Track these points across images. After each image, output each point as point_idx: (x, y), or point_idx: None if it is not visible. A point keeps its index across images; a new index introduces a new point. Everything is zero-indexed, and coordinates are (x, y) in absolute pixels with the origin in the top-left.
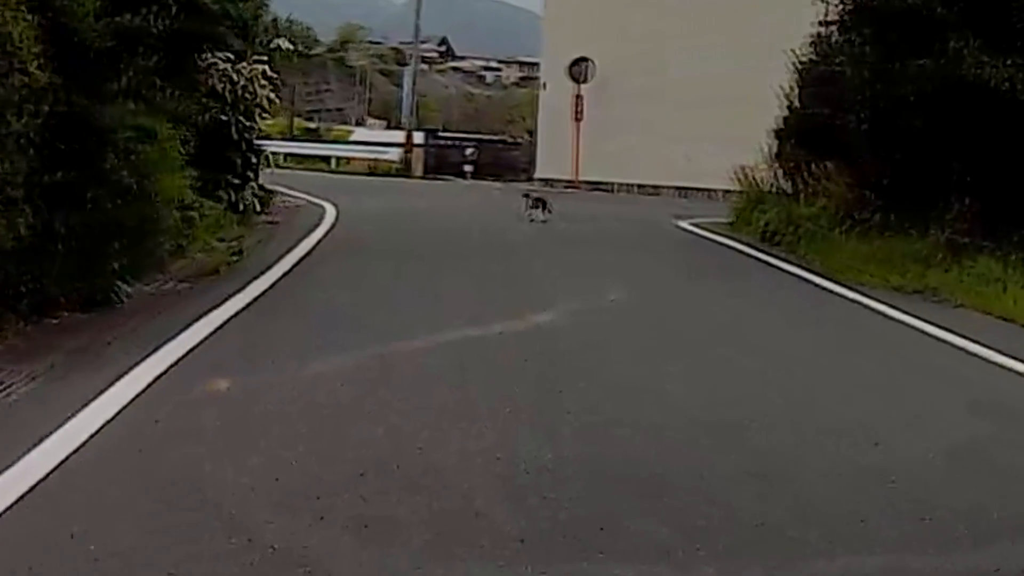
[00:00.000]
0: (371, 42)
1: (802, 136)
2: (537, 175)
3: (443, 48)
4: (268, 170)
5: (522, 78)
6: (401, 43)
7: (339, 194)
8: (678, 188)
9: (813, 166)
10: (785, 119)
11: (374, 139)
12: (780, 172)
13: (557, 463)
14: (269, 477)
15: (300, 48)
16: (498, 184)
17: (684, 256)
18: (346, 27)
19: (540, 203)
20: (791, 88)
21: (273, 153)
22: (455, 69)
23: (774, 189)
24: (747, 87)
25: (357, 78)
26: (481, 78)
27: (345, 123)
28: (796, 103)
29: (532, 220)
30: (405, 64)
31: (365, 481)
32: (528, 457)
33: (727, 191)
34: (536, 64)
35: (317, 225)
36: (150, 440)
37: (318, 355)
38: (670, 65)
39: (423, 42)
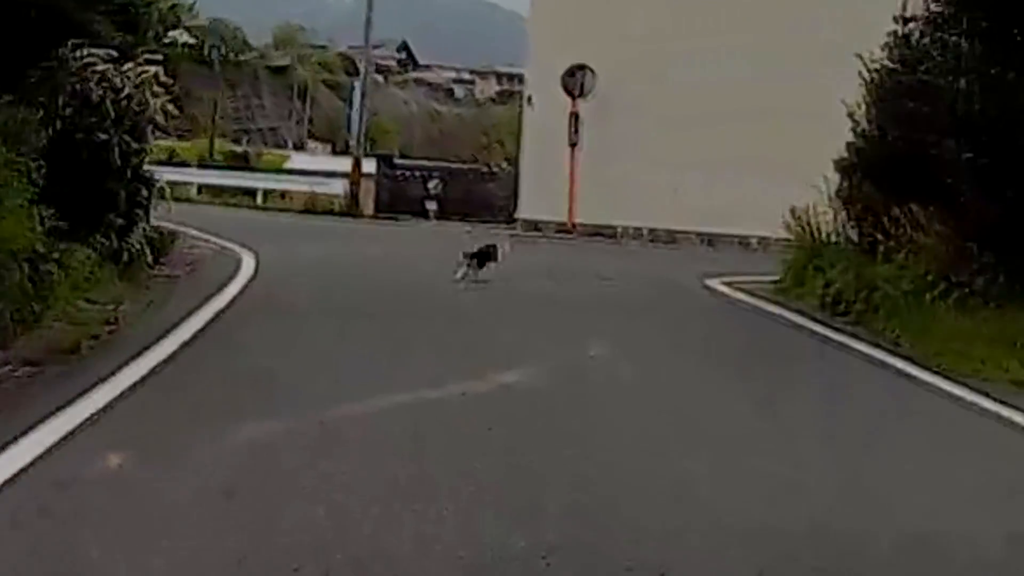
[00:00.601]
0: (314, 46)
1: (877, 169)
2: (521, 215)
3: (403, 55)
4: (164, 207)
5: (500, 92)
6: (351, 48)
7: (264, 239)
8: (702, 234)
9: (893, 209)
10: (853, 146)
11: (315, 167)
12: (846, 216)
13: (530, 552)
14: None
15: (225, 52)
16: (469, 227)
17: (716, 329)
18: (284, 28)
19: (481, 256)
20: (859, 105)
21: (181, 184)
22: (418, 81)
23: (838, 239)
24: (796, 102)
25: (296, 91)
26: (449, 92)
27: (281, 146)
28: (867, 125)
29: (463, 278)
30: (355, 74)
31: None
32: (496, 544)
33: (766, 239)
34: (519, 75)
35: (232, 278)
36: None
37: (240, 424)
38: (692, 74)
39: (377, 46)
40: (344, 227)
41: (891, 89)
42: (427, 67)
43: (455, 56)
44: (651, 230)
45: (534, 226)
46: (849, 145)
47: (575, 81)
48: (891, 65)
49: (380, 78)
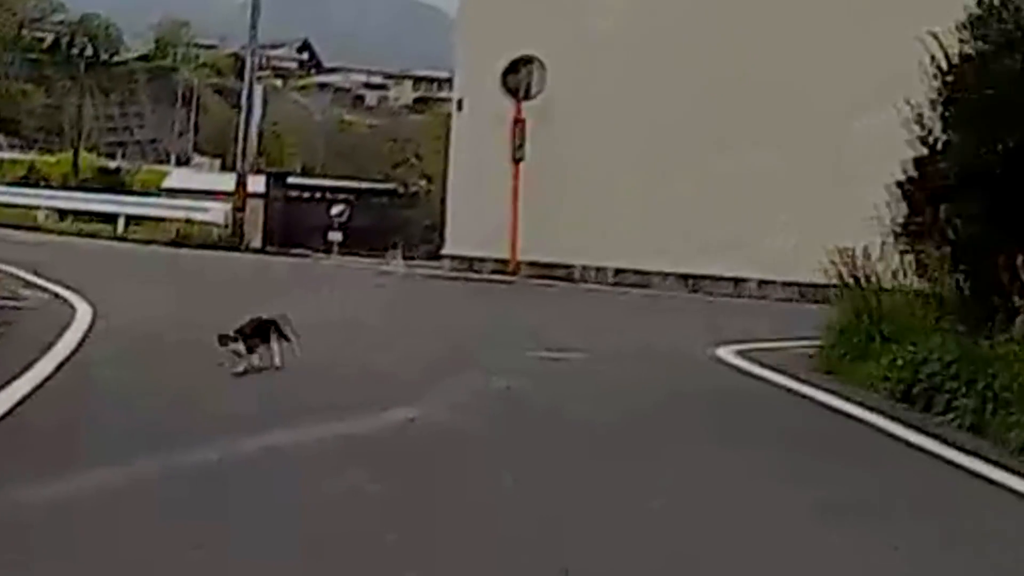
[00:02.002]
0: (201, 46)
1: (965, 193)
2: (449, 250)
3: (305, 56)
4: None
5: (419, 99)
6: (244, 47)
7: (107, 283)
8: (684, 276)
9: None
10: (925, 162)
11: (197, 186)
12: (915, 260)
13: None
14: None
15: (95, 52)
16: (386, 263)
17: (799, 467)
18: (166, 25)
19: (256, 332)
20: (933, 106)
21: (24, 208)
22: (323, 86)
23: (908, 292)
24: (810, 108)
25: (181, 97)
26: (360, 99)
27: (163, 161)
28: (940, 134)
29: (244, 372)
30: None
31: None
32: None
33: (769, 283)
34: (439, 79)
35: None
36: None
37: None
38: (671, 73)
39: (277, 46)
40: (216, 265)
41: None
42: (333, 70)
43: (366, 57)
44: (617, 270)
45: (467, 264)
46: (919, 163)
47: (520, 79)
48: (972, 51)
49: (279, 82)
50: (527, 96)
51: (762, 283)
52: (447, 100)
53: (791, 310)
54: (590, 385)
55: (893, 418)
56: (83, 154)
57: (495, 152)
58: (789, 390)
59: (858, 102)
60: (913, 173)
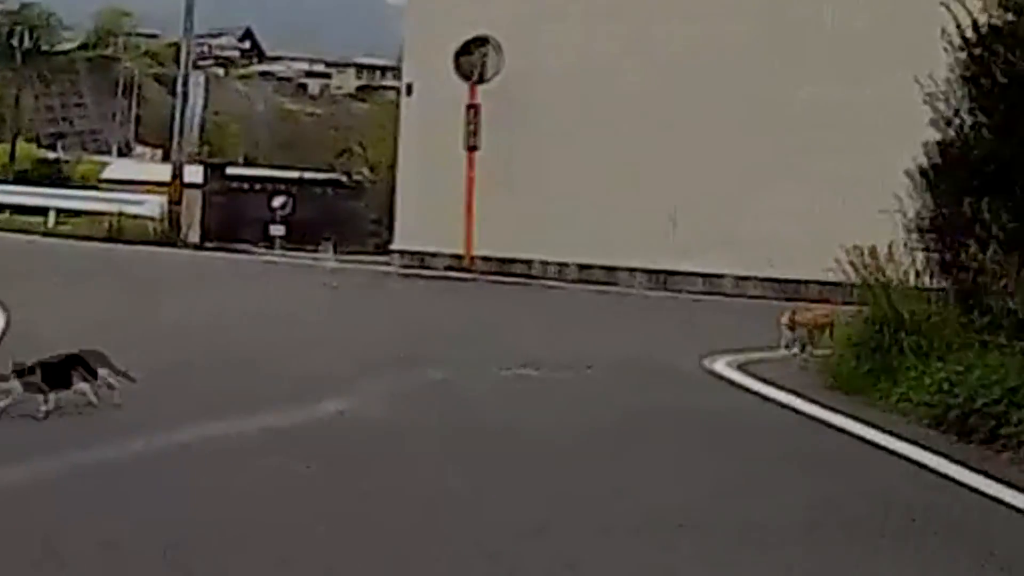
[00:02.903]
0: (143, 35)
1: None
2: (398, 245)
3: (247, 44)
4: None
5: (362, 87)
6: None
7: (23, 284)
8: (654, 272)
9: None
10: (948, 150)
11: (137, 177)
12: (940, 260)
13: None
14: None
15: (35, 41)
16: (331, 260)
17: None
18: (106, 13)
19: (54, 371)
20: (957, 79)
21: None
22: (265, 75)
23: (937, 297)
24: (802, 79)
25: (122, 87)
26: (303, 87)
27: (104, 152)
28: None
29: (46, 413)
30: (195, 66)
31: None
32: None
33: (748, 279)
34: (383, 67)
35: None
36: None
37: None
38: (636, 49)
39: (218, 34)
40: (146, 263)
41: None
42: (276, 58)
43: (309, 45)
44: (581, 266)
45: (419, 260)
46: (946, 147)
47: (473, 61)
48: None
49: (221, 71)
50: (482, 79)
51: (739, 280)
52: (390, 88)
53: (775, 310)
54: (559, 406)
55: (952, 459)
56: (22, 145)
57: (448, 140)
58: (811, 418)
59: (846, 81)
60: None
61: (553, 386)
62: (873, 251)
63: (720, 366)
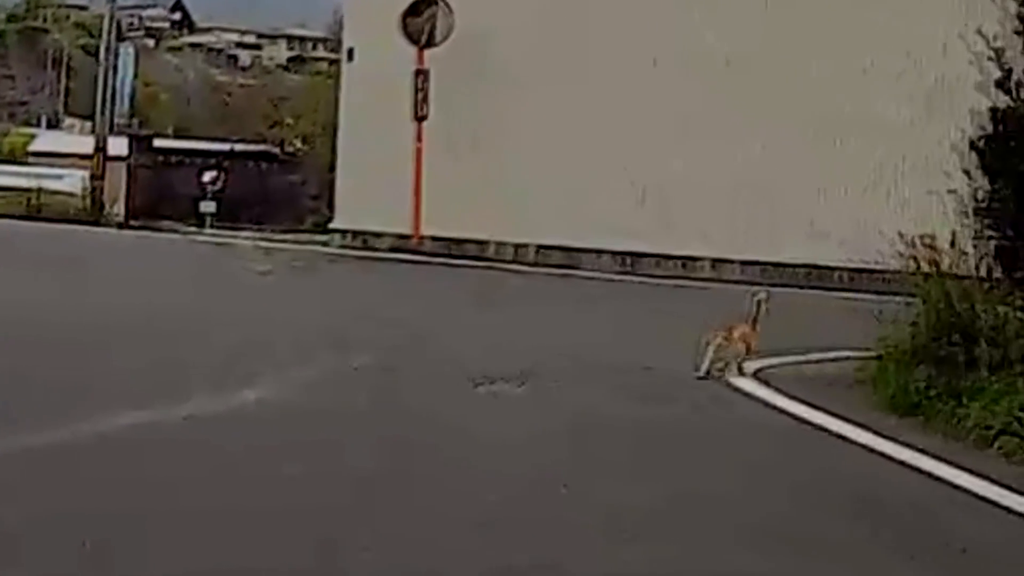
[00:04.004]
0: (72, 6)
1: None
2: (339, 223)
3: (178, 15)
4: None
5: (293, 59)
6: (118, 7)
7: None
8: (623, 256)
9: None
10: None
11: (65, 149)
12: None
13: None
14: None
15: None
16: (262, 239)
17: None
18: None
19: None
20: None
21: None
22: (195, 46)
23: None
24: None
25: (51, 59)
26: (233, 59)
27: (32, 124)
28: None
29: None
30: (123, 38)
31: None
32: None
33: (726, 262)
34: (314, 39)
35: None
36: None
37: None
38: (605, 8)
39: (148, 6)
40: (58, 242)
41: None
42: (207, 30)
43: (238, 16)
44: (540, 247)
45: (362, 240)
46: (1005, 114)
47: (421, 23)
48: None
49: (151, 42)
50: (430, 43)
51: (716, 263)
52: (322, 59)
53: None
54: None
55: None
56: None
57: (393, 108)
58: (867, 449)
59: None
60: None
61: (534, 401)
62: (931, 240)
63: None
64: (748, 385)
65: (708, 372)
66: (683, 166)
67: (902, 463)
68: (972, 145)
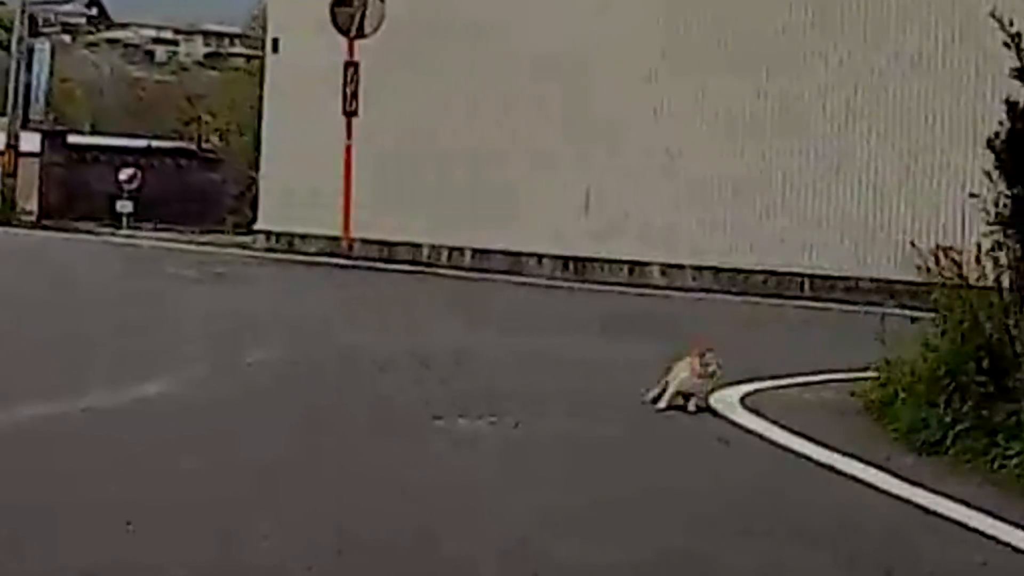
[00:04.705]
0: None
1: None
2: (263, 225)
3: (94, 11)
4: None
5: (210, 55)
6: (33, 3)
7: None
8: (566, 260)
9: None
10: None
11: None
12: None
13: None
14: None
15: None
16: (181, 241)
17: None
18: None
19: None
20: None
21: None
22: (113, 41)
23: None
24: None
25: None
26: (149, 55)
27: None
28: None
29: None
30: (38, 34)
31: None
32: None
33: (676, 268)
34: (231, 35)
35: None
36: None
37: None
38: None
39: (65, 1)
40: None
41: None
42: (123, 25)
43: (156, 12)
44: (479, 251)
45: (288, 242)
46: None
47: (351, 13)
48: None
49: (67, 38)
50: (361, 33)
51: (666, 268)
52: (239, 55)
53: (727, 308)
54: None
55: None
56: None
57: (322, 103)
58: (903, 501)
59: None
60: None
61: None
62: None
63: (717, 401)
64: (739, 416)
65: (669, 403)
66: (633, 166)
67: (944, 517)
68: (989, 144)
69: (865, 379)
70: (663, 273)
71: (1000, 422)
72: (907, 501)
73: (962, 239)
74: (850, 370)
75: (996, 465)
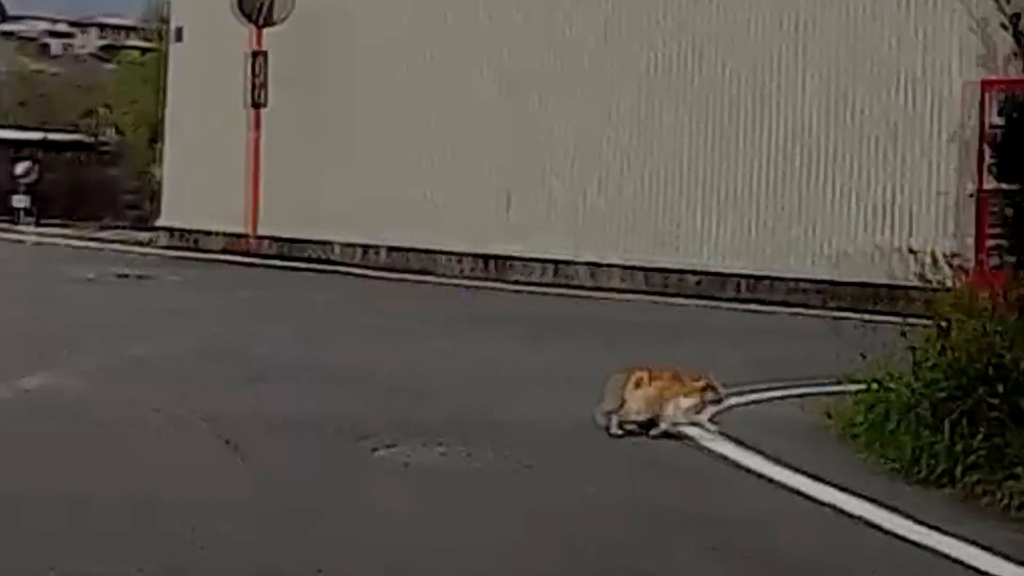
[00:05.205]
0: None
1: None
2: (164, 221)
3: None
4: None
5: (105, 47)
6: None
7: None
8: (486, 259)
9: None
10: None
11: None
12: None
13: None
14: None
15: None
16: (80, 237)
17: None
18: None
19: None
20: None
21: None
22: (7, 34)
23: None
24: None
25: None
26: (44, 47)
27: None
28: None
29: None
30: None
31: None
32: None
33: (605, 268)
34: (127, 28)
35: None
36: None
37: None
38: None
39: None
40: None
41: None
42: (18, 18)
43: (50, 4)
44: (393, 249)
45: (191, 239)
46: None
47: (256, 1)
48: None
49: None
50: (269, 21)
51: (594, 268)
52: (134, 48)
53: (655, 311)
54: None
55: None
56: None
57: (227, 94)
58: (901, 539)
59: None
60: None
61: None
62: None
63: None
64: (712, 442)
65: (622, 426)
66: (554, 161)
67: (962, 563)
68: (992, 142)
69: (832, 392)
70: (591, 274)
71: (1017, 452)
72: (919, 545)
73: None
74: (816, 382)
75: (1014, 504)
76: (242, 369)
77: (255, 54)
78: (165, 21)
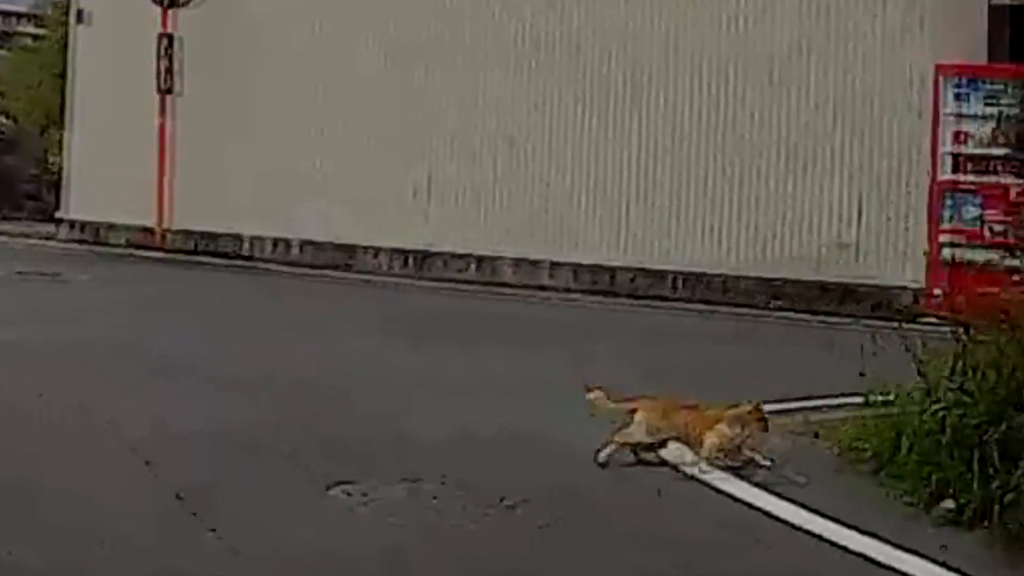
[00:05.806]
0: None
1: None
2: (69, 213)
3: None
4: None
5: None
6: None
7: None
8: (405, 255)
9: None
10: None
11: None
12: None
13: None
14: None
15: None
16: None
17: None
18: None
19: None
20: None
21: None
22: None
23: None
24: None
25: None
26: None
27: None
28: None
29: None
30: None
31: None
32: None
33: (564, 266)
34: (19, 14)
35: None
36: None
37: None
38: None
39: None
40: None
41: None
42: None
43: None
44: (309, 243)
45: (95, 232)
46: None
47: None
48: None
49: None
50: (176, 2)
51: (519, 264)
52: (27, 35)
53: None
54: None
55: None
56: None
57: (134, 79)
58: None
59: None
60: None
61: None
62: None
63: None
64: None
65: (609, 456)
66: (479, 150)
67: None
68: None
69: (820, 407)
70: (515, 269)
71: None
72: None
73: None
74: (792, 399)
75: None
76: (141, 364)
77: (164, 36)
78: (65, 4)
